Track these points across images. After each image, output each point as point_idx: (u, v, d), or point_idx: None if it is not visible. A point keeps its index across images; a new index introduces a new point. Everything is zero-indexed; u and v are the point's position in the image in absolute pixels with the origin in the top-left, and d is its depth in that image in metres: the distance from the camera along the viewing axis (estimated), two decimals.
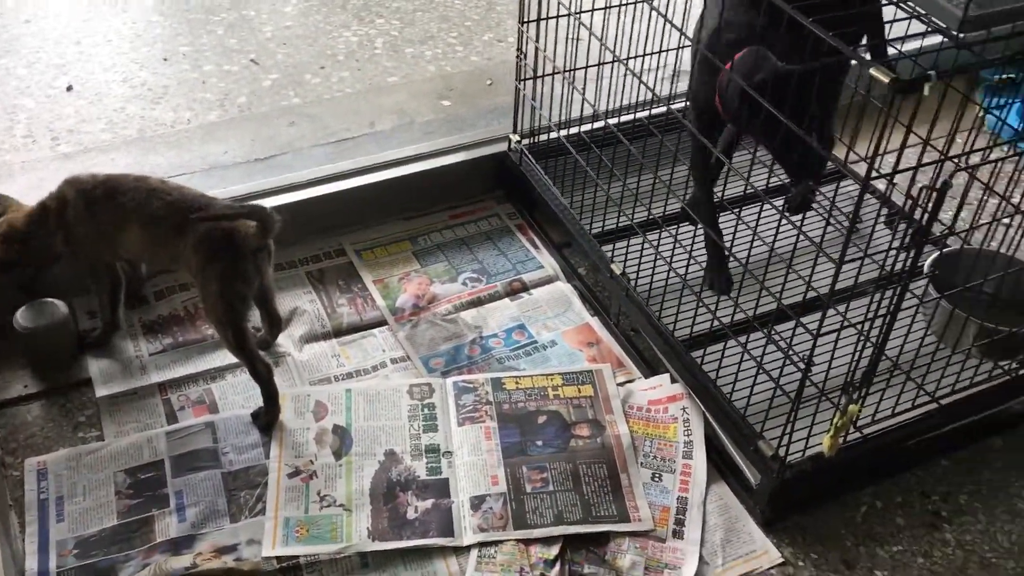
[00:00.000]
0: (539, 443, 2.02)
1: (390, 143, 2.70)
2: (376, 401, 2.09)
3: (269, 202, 2.29)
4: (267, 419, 2.00)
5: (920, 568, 1.85)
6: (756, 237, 1.87)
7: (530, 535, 1.84)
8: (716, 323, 2.02)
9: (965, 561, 1.87)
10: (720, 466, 2.00)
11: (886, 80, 1.32)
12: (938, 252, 2.17)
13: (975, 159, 1.79)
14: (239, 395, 2.08)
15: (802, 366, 1.72)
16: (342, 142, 2.74)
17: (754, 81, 1.68)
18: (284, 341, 2.19)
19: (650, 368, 2.20)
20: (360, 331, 2.26)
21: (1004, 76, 3.00)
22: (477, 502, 1.89)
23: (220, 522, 1.85)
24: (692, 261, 2.01)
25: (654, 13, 2.04)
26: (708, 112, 1.96)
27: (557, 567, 1.80)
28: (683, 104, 2.45)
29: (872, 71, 1.34)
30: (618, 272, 2.19)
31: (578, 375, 2.17)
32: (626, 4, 2.19)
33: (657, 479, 1.97)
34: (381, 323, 2.28)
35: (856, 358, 1.71)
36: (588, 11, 2.20)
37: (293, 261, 2.41)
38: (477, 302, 2.35)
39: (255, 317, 2.12)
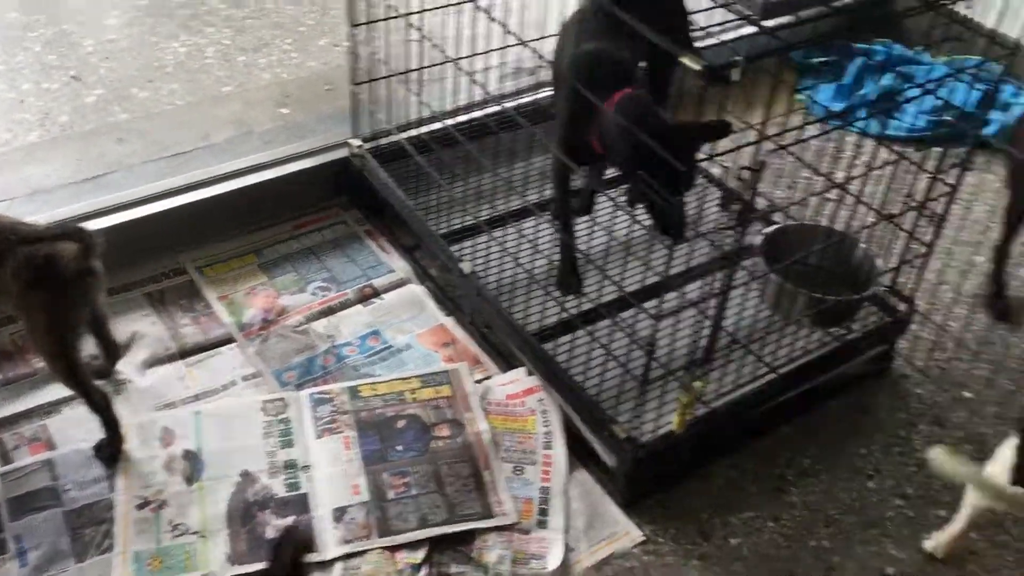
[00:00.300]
0: (400, 448, 2.01)
1: (227, 155, 2.62)
2: (228, 421, 2.03)
3: (99, 223, 2.19)
4: (110, 451, 1.91)
5: (771, 531, 1.94)
6: (596, 226, 1.91)
7: (395, 541, 1.83)
8: (565, 314, 2.05)
9: (811, 520, 1.97)
10: (580, 453, 2.04)
11: (697, 68, 1.38)
12: (770, 229, 2.27)
13: (790, 138, 1.88)
14: (79, 429, 1.97)
15: (646, 349, 1.77)
16: (176, 157, 2.64)
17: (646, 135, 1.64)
18: (125, 367, 2.09)
19: (506, 363, 2.22)
20: (207, 350, 2.19)
21: (821, 60, 3.18)
22: (339, 514, 1.86)
23: (65, 563, 1.76)
24: (539, 255, 2.05)
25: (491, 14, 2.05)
26: (578, 144, 1.92)
27: (424, 570, 1.80)
28: (518, 103, 2.49)
29: (683, 60, 1.39)
30: (468, 271, 2.20)
31: (435, 376, 2.17)
32: (453, 5, 2.19)
33: (519, 472, 1.99)
34: (229, 340, 2.22)
35: (696, 337, 1.78)
36: (417, 12, 2.20)
37: (130, 283, 2.31)
38: (328, 311, 2.31)
39: (92, 345, 2.02)
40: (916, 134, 2.86)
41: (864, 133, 2.47)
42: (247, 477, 1.93)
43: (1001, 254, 2.42)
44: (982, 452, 2.09)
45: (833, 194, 2.12)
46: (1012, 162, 2.32)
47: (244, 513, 1.86)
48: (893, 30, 3.18)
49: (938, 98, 1.97)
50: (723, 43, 1.70)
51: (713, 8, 1.53)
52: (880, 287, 2.17)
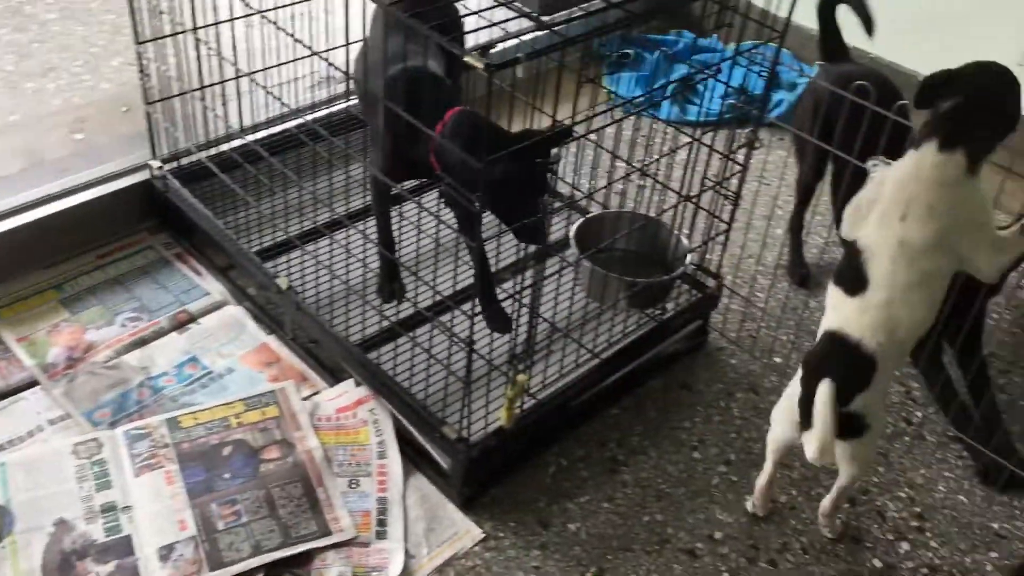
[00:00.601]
0: (227, 476, 1.94)
1: (17, 187, 2.45)
2: (36, 469, 1.90)
3: None
4: None
5: (607, 512, 1.99)
6: (416, 230, 1.91)
7: (228, 573, 1.76)
8: (386, 322, 2.04)
9: (644, 496, 2.03)
10: (414, 458, 2.03)
11: (480, 65, 1.39)
12: (582, 218, 2.33)
13: (585, 127, 1.93)
14: None
15: (466, 348, 1.78)
16: None
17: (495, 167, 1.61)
18: None
19: (334, 376, 2.18)
20: (7, 397, 2.05)
21: (622, 52, 3.30)
22: (165, 552, 1.78)
23: None
24: (356, 265, 2.02)
25: (288, 25, 2.00)
26: (403, 163, 1.88)
27: None
28: (330, 111, 2.45)
29: (467, 58, 1.41)
30: (285, 287, 2.15)
31: (260, 398, 2.10)
32: (240, 17, 2.14)
33: (355, 485, 1.96)
34: (32, 384, 2.08)
35: (515, 330, 1.80)
36: (203, 27, 2.13)
37: None
38: (141, 342, 2.20)
39: None
40: (712, 118, 3.01)
41: (666, 120, 2.57)
42: (62, 526, 1.81)
43: (796, 225, 2.58)
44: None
45: (640, 180, 2.20)
46: (796, 138, 2.47)
47: (62, 564, 1.75)
48: (686, 20, 3.34)
49: (722, 83, 2.07)
50: (508, 38, 1.72)
51: (494, 7, 1.56)
52: (689, 266, 2.27)
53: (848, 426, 1.69)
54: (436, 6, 1.71)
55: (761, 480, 1.96)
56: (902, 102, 1.99)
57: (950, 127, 1.57)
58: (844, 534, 1.98)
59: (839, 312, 1.71)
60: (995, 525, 2.03)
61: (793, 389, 1.77)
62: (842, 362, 1.68)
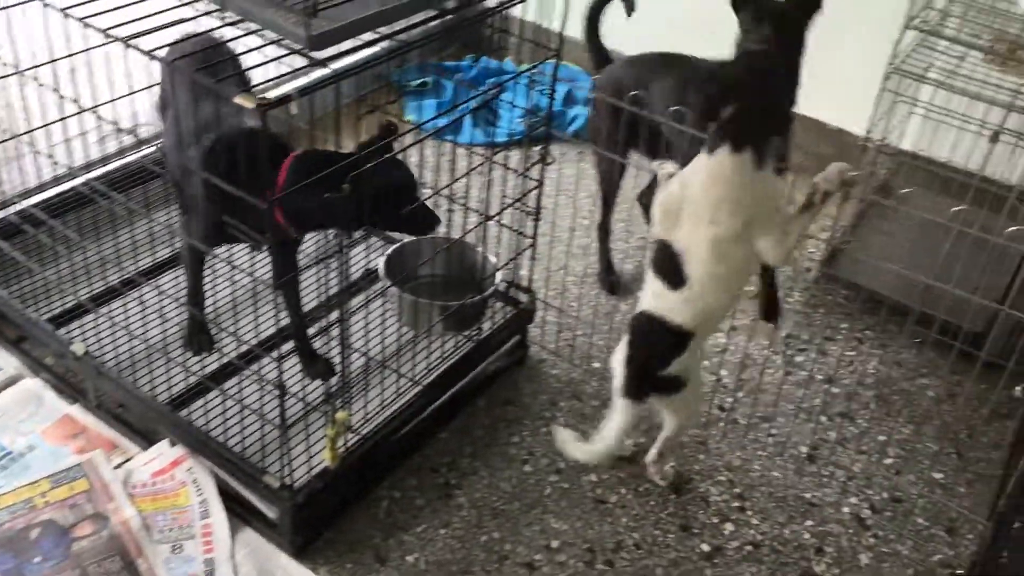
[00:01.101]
0: (37, 560, 1.81)
1: None
2: None
3: None
4: None
5: (443, 538, 1.99)
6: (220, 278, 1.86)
7: None
8: (193, 377, 1.97)
9: (479, 517, 2.04)
10: (241, 513, 1.96)
11: (251, 105, 1.38)
12: (391, 247, 2.33)
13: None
14: None
15: (278, 392, 1.74)
16: None
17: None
18: None
19: (146, 439, 2.08)
20: None
21: (420, 81, 3.33)
22: None
23: None
24: (157, 321, 1.95)
25: (67, 79, 1.88)
26: (222, 228, 1.77)
27: None
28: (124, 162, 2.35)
29: (236, 99, 1.39)
30: (82, 353, 2.04)
31: (67, 473, 1.98)
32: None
33: (178, 550, 1.88)
34: None
35: (329, 367, 1.78)
36: None
37: None
38: None
39: None
40: (517, 137, 3.09)
41: (465, 144, 2.62)
42: None
43: (603, 233, 2.67)
44: None
45: (448, 205, 2.21)
46: (594, 151, 2.57)
47: None
48: (479, 46, 3.41)
49: (509, 103, 2.12)
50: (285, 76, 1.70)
51: (264, 45, 1.54)
52: (500, 284, 2.31)
53: (669, 386, 1.88)
54: (206, 49, 1.68)
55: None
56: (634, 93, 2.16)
57: (736, 131, 1.70)
58: (677, 484, 2.12)
59: (661, 300, 1.84)
60: (807, 495, 2.16)
61: (622, 345, 1.93)
62: (664, 335, 1.83)
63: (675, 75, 2.32)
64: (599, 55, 2.55)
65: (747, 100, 1.70)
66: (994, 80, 2.46)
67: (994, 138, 2.37)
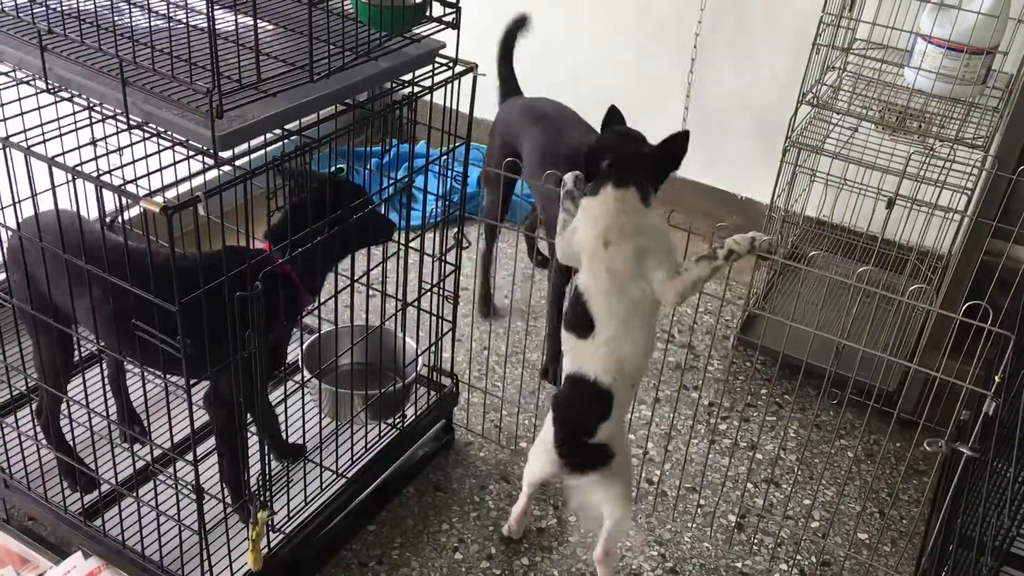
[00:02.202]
0: None
1: None
2: None
3: None
4: None
5: None
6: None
7: None
8: (107, 485, 1.90)
9: None
10: None
11: (156, 209, 1.36)
12: (310, 337, 2.30)
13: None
14: None
15: (195, 496, 1.69)
16: None
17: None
18: None
19: (59, 553, 1.99)
20: None
21: (337, 168, 3.34)
22: None
23: None
24: (71, 426, 1.88)
25: None
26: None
27: None
28: None
29: (142, 203, 1.37)
30: None
31: None
32: None
33: None
34: None
35: (243, 468, 1.73)
36: None
37: None
38: None
39: None
40: (431, 221, 3.10)
41: None
42: None
43: (485, 262, 2.86)
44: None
45: (371, 291, 2.21)
46: (484, 173, 2.82)
47: None
48: (391, 132, 3.45)
49: (419, 190, 2.15)
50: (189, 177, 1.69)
51: (165, 149, 1.53)
52: (423, 368, 2.29)
53: (597, 456, 1.88)
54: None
55: (517, 509, 2.16)
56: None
57: (615, 175, 1.81)
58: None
59: (575, 356, 1.86)
60: (738, 564, 2.17)
61: (546, 432, 1.95)
62: (584, 398, 1.85)
63: (549, 134, 2.50)
64: (507, 85, 2.75)
65: (623, 151, 1.84)
66: (887, 148, 2.58)
67: (890, 204, 2.47)
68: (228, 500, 1.90)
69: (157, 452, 1.84)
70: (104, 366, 2.04)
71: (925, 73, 2.48)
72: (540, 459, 1.98)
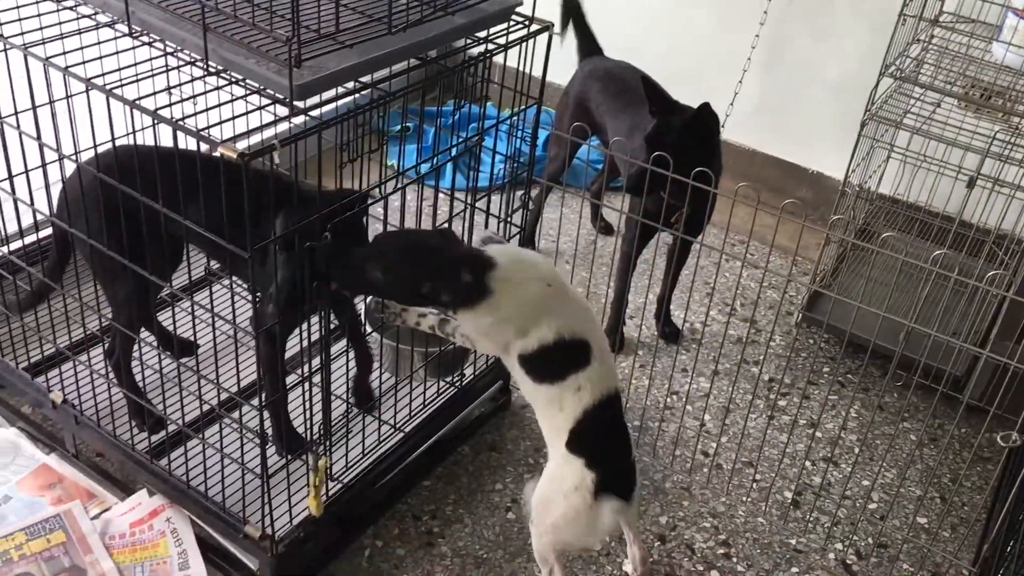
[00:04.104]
0: None
1: None
2: None
3: None
4: None
5: None
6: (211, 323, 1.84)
7: None
8: (173, 426, 1.94)
9: (463, 566, 2.01)
10: (221, 564, 1.93)
11: (234, 155, 1.38)
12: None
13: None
14: None
15: (259, 441, 1.72)
16: None
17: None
18: None
19: (125, 489, 2.05)
20: None
21: (402, 127, 3.35)
22: None
23: None
24: (136, 368, 1.93)
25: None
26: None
27: None
28: None
29: (220, 149, 1.39)
30: (59, 401, 2.01)
31: (44, 524, 1.95)
32: None
33: None
34: None
35: (308, 414, 1.76)
36: None
37: None
38: None
39: None
40: (498, 182, 3.09)
41: (446, 190, 2.62)
42: None
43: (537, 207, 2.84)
44: None
45: None
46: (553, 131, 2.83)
47: None
48: (462, 91, 3.44)
49: (489, 150, 2.14)
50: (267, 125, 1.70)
51: (247, 94, 1.55)
52: None
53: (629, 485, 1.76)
54: None
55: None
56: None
57: None
58: (662, 532, 2.11)
59: (592, 384, 1.69)
60: (792, 541, 2.15)
61: (565, 486, 1.71)
62: (617, 414, 1.74)
63: (630, 111, 2.50)
64: (585, 43, 2.78)
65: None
66: (969, 126, 2.50)
67: (971, 184, 2.40)
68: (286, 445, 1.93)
69: (224, 396, 1.88)
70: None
71: (1015, 49, 2.39)
72: (583, 519, 1.71)
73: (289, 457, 1.94)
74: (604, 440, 1.72)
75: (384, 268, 1.62)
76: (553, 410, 1.71)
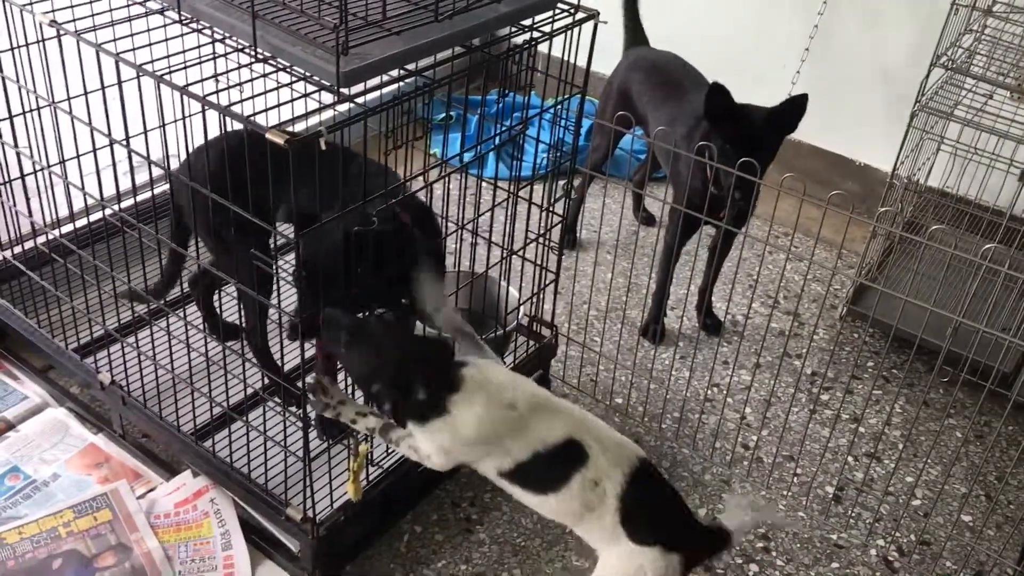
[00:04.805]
0: None
1: None
2: None
3: None
4: None
5: (465, 574, 1.97)
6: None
7: None
8: (218, 408, 1.97)
9: (500, 553, 2.02)
10: (263, 545, 1.96)
11: (281, 141, 1.39)
12: None
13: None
14: None
15: (300, 424, 1.74)
16: None
17: None
18: None
19: (169, 470, 2.09)
20: None
21: (445, 116, 3.36)
22: None
23: None
24: (182, 352, 1.96)
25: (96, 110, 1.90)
26: None
27: None
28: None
29: (268, 136, 1.40)
30: (107, 382, 2.05)
31: (91, 502, 1.99)
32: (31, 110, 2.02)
33: None
34: None
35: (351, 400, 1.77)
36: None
37: None
38: None
39: None
40: (540, 171, 3.09)
41: (487, 178, 2.62)
42: None
43: (578, 202, 2.83)
44: None
45: (473, 239, 2.22)
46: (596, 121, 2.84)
47: None
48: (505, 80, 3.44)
49: (532, 138, 2.14)
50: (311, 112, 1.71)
51: (293, 82, 1.56)
52: (524, 318, 2.30)
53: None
54: None
55: None
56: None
57: None
58: None
59: (606, 487, 1.56)
60: (833, 536, 2.13)
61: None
62: (659, 495, 1.63)
63: (673, 101, 2.50)
64: (632, 34, 2.78)
65: None
66: (1021, 118, 2.44)
67: (1023, 177, 2.35)
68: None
69: (267, 380, 1.90)
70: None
71: None
72: None
73: (330, 442, 1.96)
74: (669, 517, 1.60)
75: (347, 345, 1.55)
76: (589, 515, 1.58)
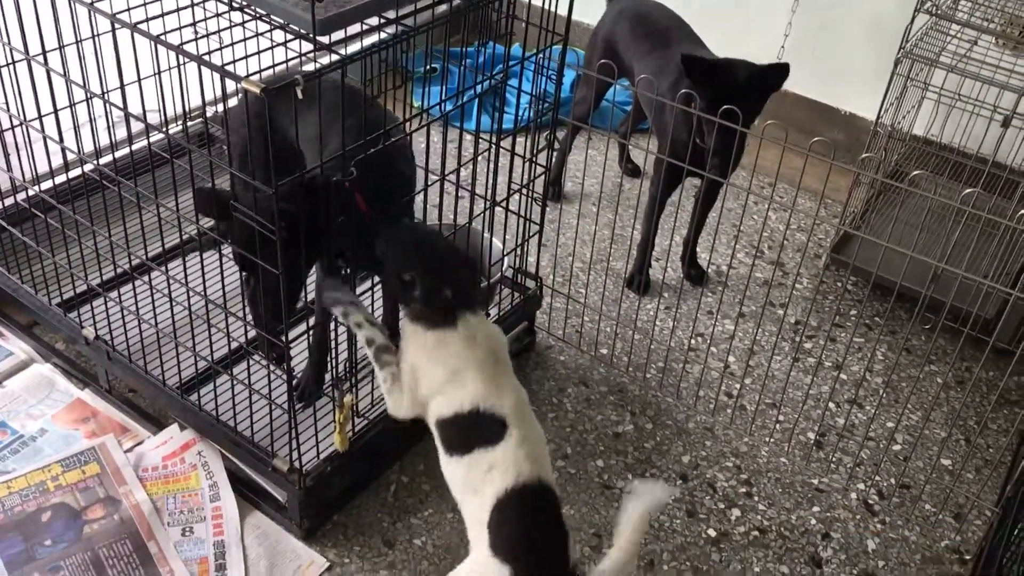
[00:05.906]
0: (48, 543, 1.83)
1: None
2: None
3: None
4: None
5: (450, 522, 2.00)
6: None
7: None
8: (203, 362, 1.98)
9: None
10: (250, 496, 1.98)
11: (257, 90, 1.38)
12: None
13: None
14: None
15: (285, 377, 1.75)
16: None
17: None
18: None
19: (156, 424, 2.10)
20: None
21: (428, 67, 3.32)
22: None
23: None
24: (166, 307, 1.96)
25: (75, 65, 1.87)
26: None
27: None
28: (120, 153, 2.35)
29: (243, 83, 1.39)
30: (92, 337, 2.05)
31: (79, 456, 2.00)
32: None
33: (189, 533, 1.90)
34: None
35: (335, 351, 1.78)
36: None
37: None
38: None
39: None
40: (523, 123, 3.08)
41: (470, 130, 2.61)
42: None
43: (561, 155, 2.83)
44: (623, 400, 2.30)
45: (458, 192, 2.21)
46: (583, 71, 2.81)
47: None
48: (487, 31, 3.40)
49: (515, 88, 2.12)
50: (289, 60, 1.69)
51: (270, 30, 1.54)
52: (509, 270, 2.31)
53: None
54: None
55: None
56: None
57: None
58: (683, 471, 2.07)
59: (494, 477, 1.51)
60: (814, 481, 2.16)
61: None
62: (540, 525, 1.52)
63: (659, 52, 2.47)
64: None
65: None
66: (1006, 64, 2.44)
67: (1006, 123, 2.35)
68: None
69: (251, 334, 1.90)
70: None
71: None
72: None
73: (301, 405, 1.95)
74: (535, 547, 1.48)
75: (389, 239, 1.59)
76: (469, 494, 1.54)
